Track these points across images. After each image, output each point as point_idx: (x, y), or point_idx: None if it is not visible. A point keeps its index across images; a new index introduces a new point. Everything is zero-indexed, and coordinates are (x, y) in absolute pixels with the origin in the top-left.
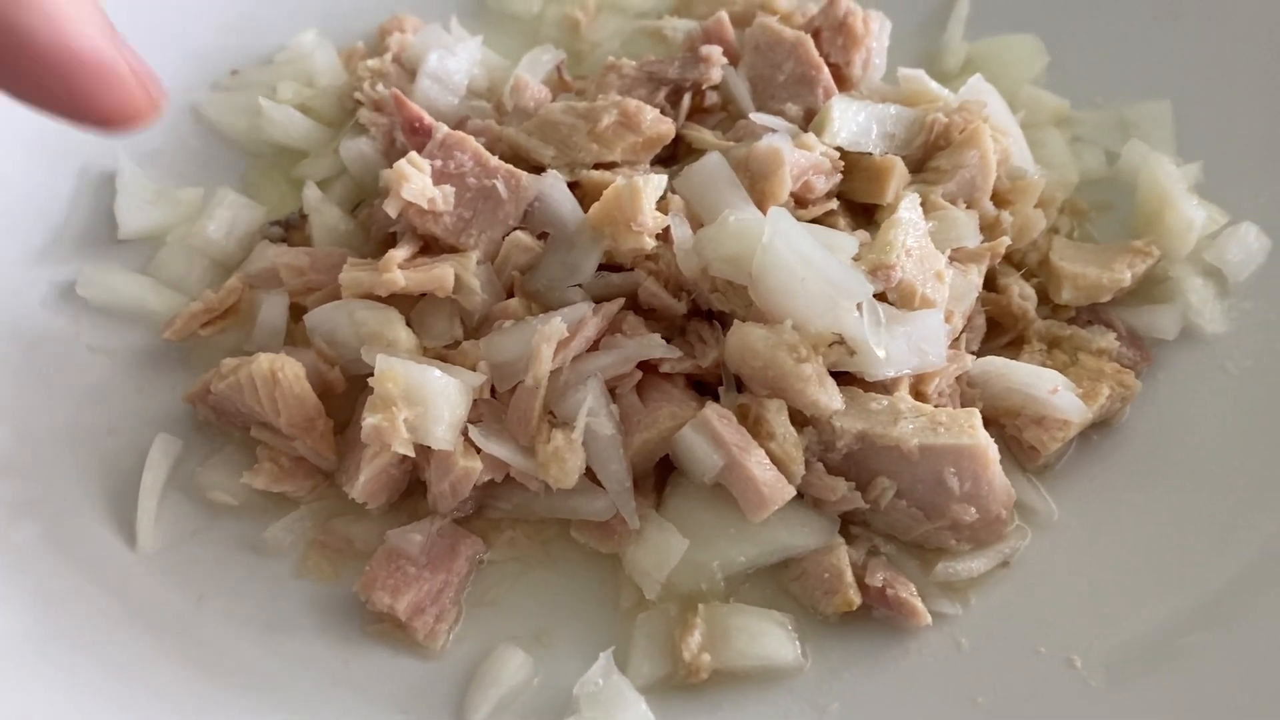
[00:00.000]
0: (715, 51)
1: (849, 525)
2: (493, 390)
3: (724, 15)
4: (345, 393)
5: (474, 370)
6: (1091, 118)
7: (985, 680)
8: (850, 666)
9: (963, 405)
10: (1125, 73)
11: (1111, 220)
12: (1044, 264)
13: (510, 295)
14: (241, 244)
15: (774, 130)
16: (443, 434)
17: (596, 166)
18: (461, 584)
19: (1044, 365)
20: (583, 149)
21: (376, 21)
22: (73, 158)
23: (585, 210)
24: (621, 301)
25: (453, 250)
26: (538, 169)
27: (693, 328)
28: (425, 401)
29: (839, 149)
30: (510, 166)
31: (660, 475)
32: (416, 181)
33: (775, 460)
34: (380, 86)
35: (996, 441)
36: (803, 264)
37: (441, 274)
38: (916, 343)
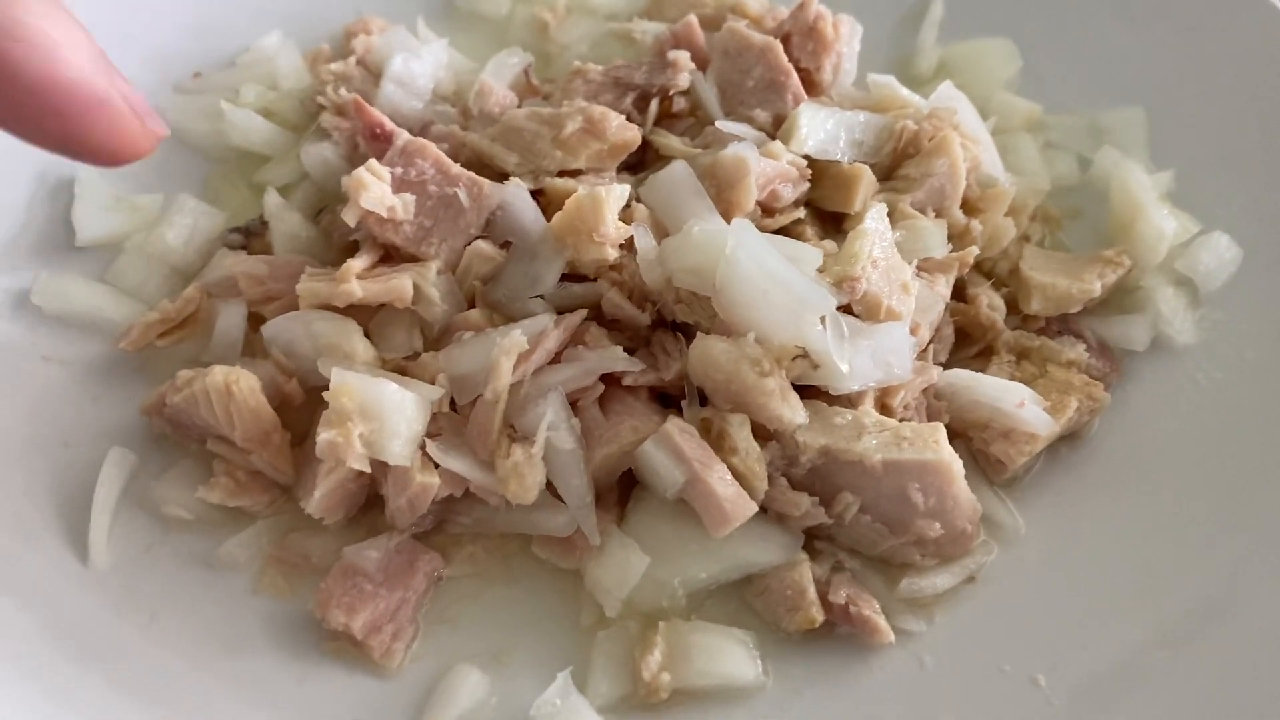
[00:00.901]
0: (683, 56)
1: (813, 540)
2: (452, 403)
3: (693, 19)
4: (304, 405)
5: (433, 383)
6: (1064, 123)
7: (948, 700)
8: (812, 685)
9: (929, 418)
10: (1099, 78)
11: (1083, 227)
12: (1014, 273)
13: (471, 306)
14: (201, 252)
15: (740, 138)
16: (399, 449)
17: (561, 174)
18: (419, 601)
19: (1013, 377)
20: (547, 156)
21: (342, 23)
22: (29, 162)
23: (549, 219)
24: (584, 313)
25: (413, 260)
26: (502, 176)
27: (657, 339)
28: (381, 416)
29: (806, 157)
30: (472, 174)
31: (623, 489)
32: (375, 189)
33: (738, 475)
34: (344, 90)
35: (963, 455)
36: (765, 276)
37: (400, 285)
38: (881, 356)
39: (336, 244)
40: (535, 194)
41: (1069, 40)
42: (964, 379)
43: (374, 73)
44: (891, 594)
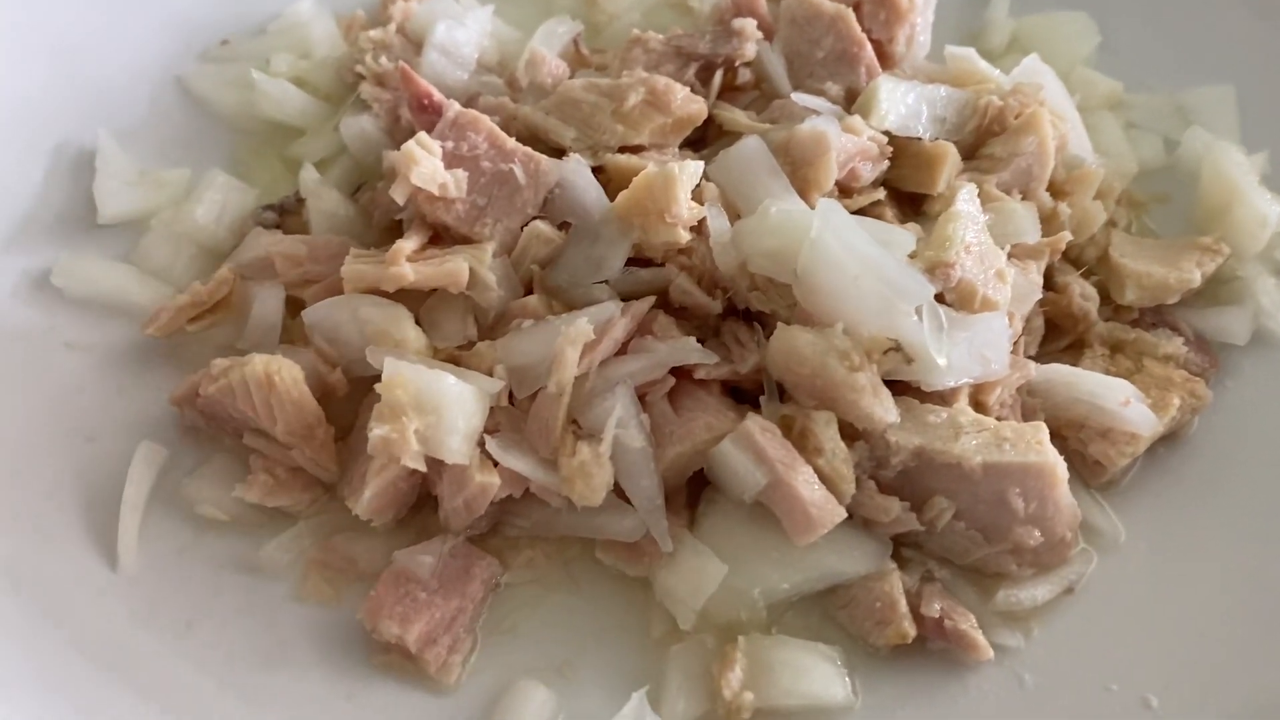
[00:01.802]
0: (749, 25)
1: (899, 547)
2: (509, 397)
3: None
4: (346, 395)
5: (490, 374)
6: (1146, 102)
7: None
8: (904, 705)
9: (1024, 416)
10: (1182, 55)
11: (1170, 213)
12: (1102, 261)
13: (528, 292)
14: (232, 230)
15: (818, 112)
16: (457, 446)
17: (621, 150)
18: (476, 610)
19: (1107, 372)
20: (606, 130)
21: None
22: (47, 133)
23: (609, 198)
24: (651, 300)
25: (465, 241)
26: (557, 152)
27: (728, 329)
28: (438, 410)
29: (886, 133)
30: (528, 149)
31: (691, 491)
32: (427, 165)
33: (823, 478)
34: (384, 59)
35: None
36: (856, 261)
37: (455, 268)
38: (978, 349)
39: (377, 224)
40: (594, 171)
41: (1149, 13)
42: (1062, 375)
43: (414, 41)
44: (985, 606)
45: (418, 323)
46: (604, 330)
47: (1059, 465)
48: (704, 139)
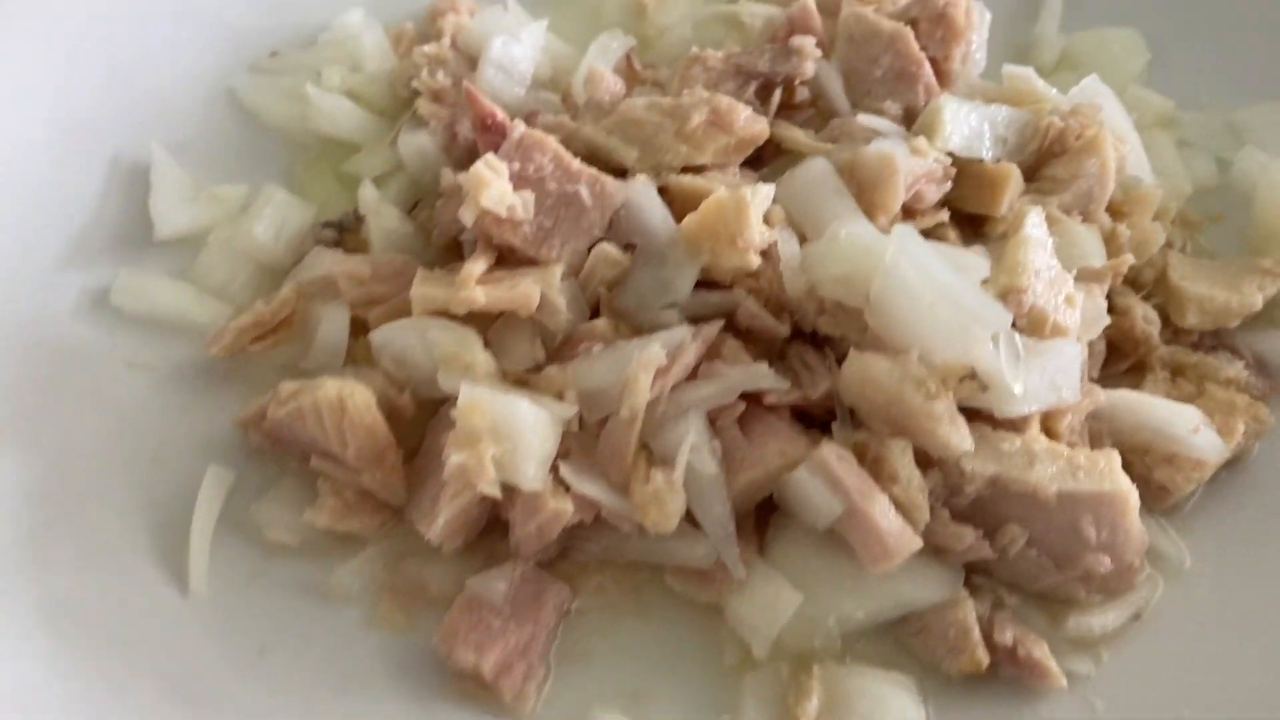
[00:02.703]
0: (808, 43)
1: (970, 574)
2: (579, 421)
3: (809, 2)
4: (412, 417)
5: (560, 399)
6: (1198, 120)
7: None
8: None
9: (1091, 442)
10: (1233, 71)
11: (1222, 233)
12: (1160, 282)
13: (595, 315)
14: (290, 247)
15: (881, 133)
16: (533, 473)
17: (683, 170)
18: (550, 637)
19: (1169, 395)
20: (670, 150)
21: (425, 1)
22: (101, 146)
23: (676, 219)
24: (720, 324)
25: (531, 263)
26: (617, 171)
27: (795, 353)
28: (514, 436)
29: (949, 154)
30: (595, 170)
31: (759, 516)
32: (496, 187)
33: (898, 506)
34: (440, 74)
35: None
36: (932, 288)
37: (526, 291)
38: (1051, 376)
39: (436, 243)
40: (658, 191)
41: (1199, 29)
42: (1130, 401)
43: (467, 56)
44: (1054, 633)
45: (486, 345)
46: (675, 355)
47: (1131, 493)
48: (761, 157)
